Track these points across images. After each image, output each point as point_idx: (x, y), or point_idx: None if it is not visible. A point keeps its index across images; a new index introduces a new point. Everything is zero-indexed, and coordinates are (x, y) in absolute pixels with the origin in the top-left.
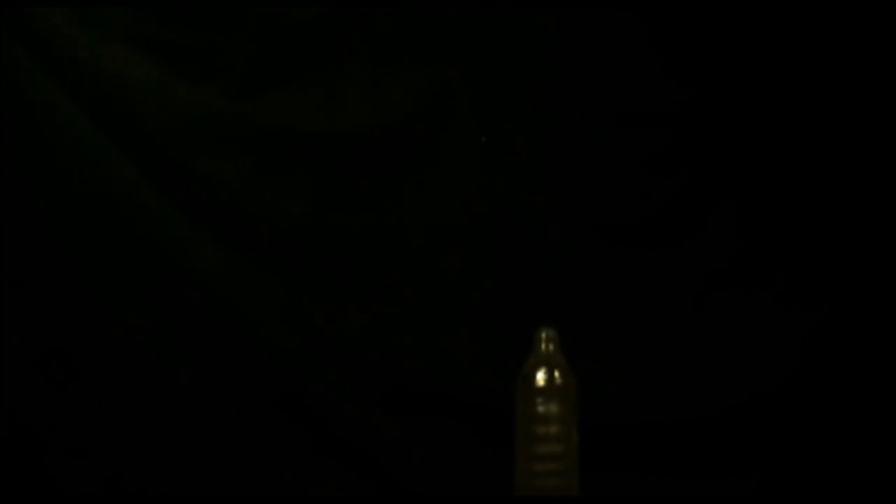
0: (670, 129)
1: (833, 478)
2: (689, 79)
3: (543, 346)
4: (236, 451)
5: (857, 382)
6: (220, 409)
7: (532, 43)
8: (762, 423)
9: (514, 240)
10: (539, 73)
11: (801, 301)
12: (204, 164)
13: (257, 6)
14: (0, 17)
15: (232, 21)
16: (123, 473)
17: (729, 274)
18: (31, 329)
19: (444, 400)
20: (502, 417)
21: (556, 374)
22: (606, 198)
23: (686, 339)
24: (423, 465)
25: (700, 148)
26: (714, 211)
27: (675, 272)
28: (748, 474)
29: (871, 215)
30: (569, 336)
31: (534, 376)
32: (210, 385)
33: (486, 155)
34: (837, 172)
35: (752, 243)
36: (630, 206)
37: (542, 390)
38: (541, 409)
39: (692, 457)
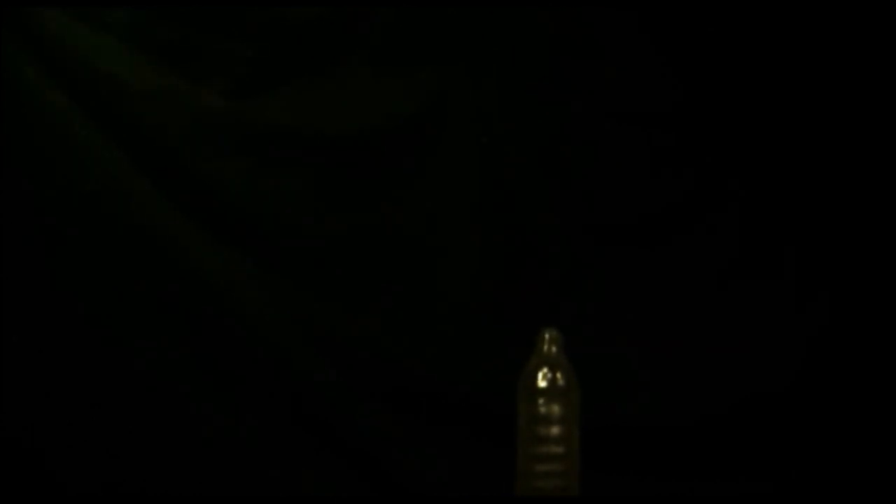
0: (670, 129)
1: (836, 477)
2: (688, 79)
3: (546, 346)
4: (236, 450)
5: (859, 382)
6: (220, 409)
7: (532, 43)
8: (764, 424)
9: (514, 240)
10: (539, 73)
11: (802, 301)
12: (204, 164)
13: (257, 6)
14: (0, 17)
15: (232, 21)
16: (124, 473)
17: (730, 273)
18: (32, 329)
19: (444, 400)
20: (503, 417)
21: (559, 375)
22: (607, 198)
23: (687, 339)
24: (424, 465)
25: (700, 147)
26: (714, 211)
27: (677, 272)
28: (749, 475)
29: (872, 214)
30: (569, 335)
31: (536, 377)
32: (209, 385)
33: (486, 155)
34: (838, 171)
35: (753, 243)
36: (630, 205)
37: (543, 391)
38: (542, 409)
39: (693, 457)
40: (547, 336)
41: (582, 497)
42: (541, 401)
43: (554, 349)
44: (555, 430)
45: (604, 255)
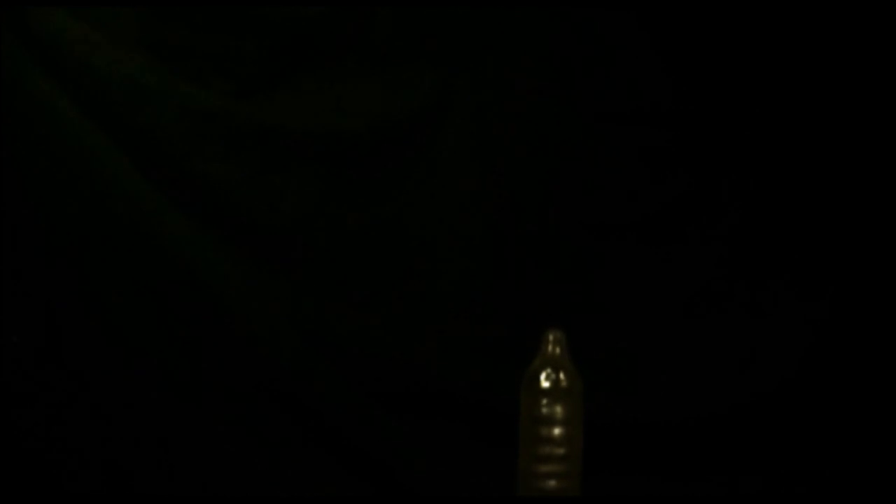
0: (670, 128)
1: (835, 478)
2: (687, 78)
3: (550, 347)
4: (236, 450)
5: (858, 382)
6: (220, 409)
7: (532, 43)
8: (765, 423)
9: (514, 240)
10: (539, 73)
11: (802, 300)
12: (204, 164)
13: (258, 5)
14: (0, 17)
15: (232, 21)
16: (123, 473)
17: (731, 273)
18: (31, 329)
19: (445, 399)
20: (504, 417)
21: (562, 376)
22: (607, 197)
23: (688, 339)
24: (425, 465)
25: (700, 146)
26: (714, 209)
27: (678, 271)
28: (751, 474)
29: (871, 214)
30: (570, 334)
31: (539, 378)
32: (210, 384)
33: (486, 155)
34: (837, 169)
35: (753, 242)
36: (630, 205)
37: (547, 392)
38: (545, 410)
39: (695, 456)
40: (551, 337)
41: (583, 497)
42: (544, 401)
43: (558, 350)
44: (557, 431)
45: (605, 253)
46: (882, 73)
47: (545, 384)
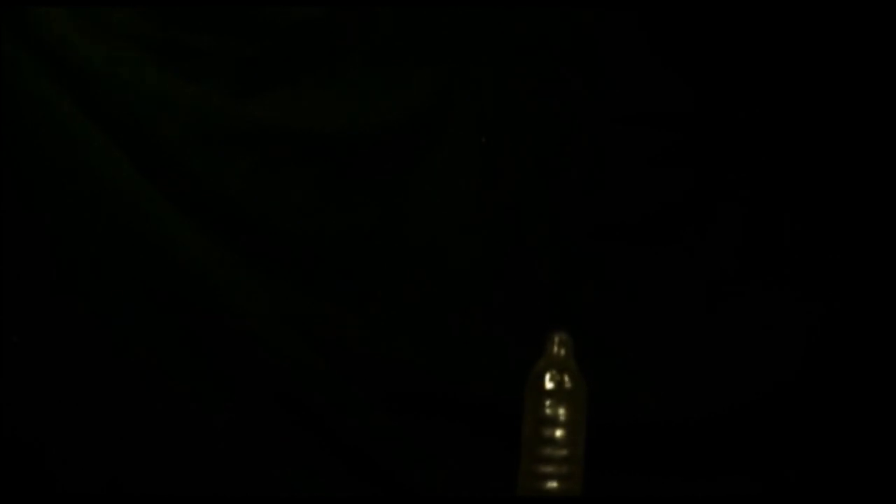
0: (672, 129)
1: (837, 477)
2: (689, 79)
3: (555, 349)
4: (236, 451)
5: (860, 382)
6: (220, 410)
7: (532, 44)
8: (767, 423)
9: (515, 241)
10: (540, 73)
11: (804, 300)
12: (204, 163)
13: (257, 6)
14: (0, 17)
15: (232, 21)
16: (123, 473)
17: (733, 273)
18: (31, 329)
19: (444, 400)
20: (504, 418)
21: (566, 378)
22: (609, 198)
23: (690, 339)
24: (425, 465)
25: (702, 147)
26: (716, 211)
27: (680, 272)
28: (754, 474)
29: (873, 215)
30: (570, 334)
31: (543, 379)
32: (210, 385)
33: (486, 155)
34: (839, 171)
35: (754, 243)
36: (632, 206)
37: (550, 393)
38: (548, 411)
39: (697, 456)
40: (556, 339)
41: (584, 497)
42: (547, 402)
43: (563, 352)
44: (560, 433)
45: (607, 254)
46: (883, 75)
47: (549, 385)
